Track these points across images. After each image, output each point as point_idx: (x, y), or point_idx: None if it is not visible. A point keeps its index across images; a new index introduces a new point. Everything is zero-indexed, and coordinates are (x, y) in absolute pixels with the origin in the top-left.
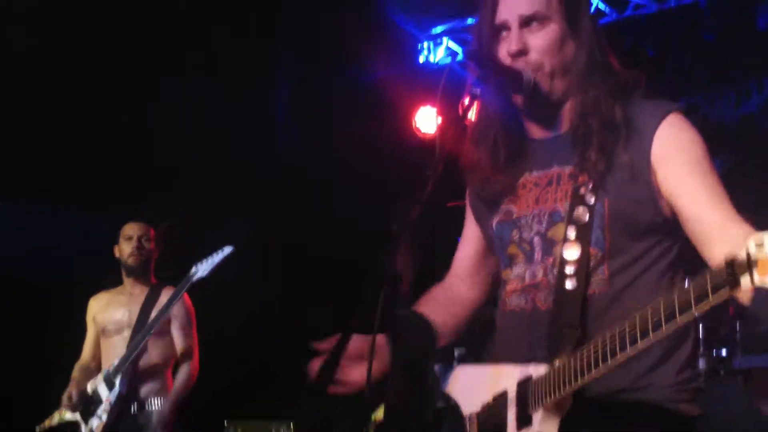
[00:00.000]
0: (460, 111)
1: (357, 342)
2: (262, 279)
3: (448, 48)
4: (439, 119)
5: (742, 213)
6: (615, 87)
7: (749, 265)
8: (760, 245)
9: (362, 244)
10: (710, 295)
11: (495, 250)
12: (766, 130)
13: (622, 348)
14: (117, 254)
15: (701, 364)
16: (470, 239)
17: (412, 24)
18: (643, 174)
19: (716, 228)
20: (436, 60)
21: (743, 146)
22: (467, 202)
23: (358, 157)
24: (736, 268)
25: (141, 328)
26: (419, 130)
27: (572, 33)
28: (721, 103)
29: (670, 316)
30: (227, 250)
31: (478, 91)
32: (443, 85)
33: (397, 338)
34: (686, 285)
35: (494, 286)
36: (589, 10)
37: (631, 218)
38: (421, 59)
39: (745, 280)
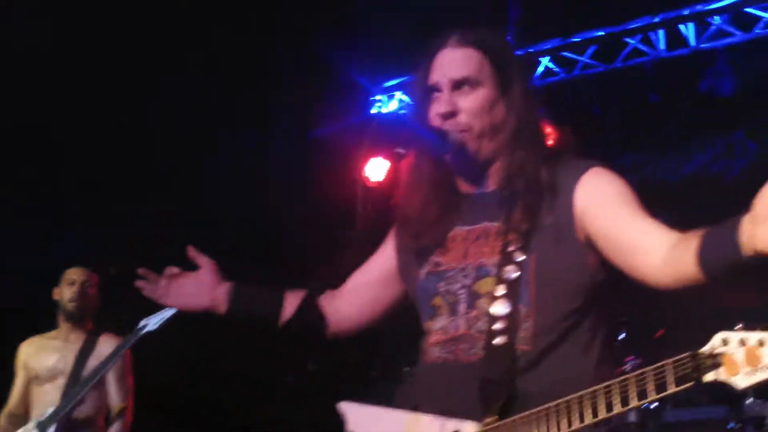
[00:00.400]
0: (379, 172)
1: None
2: (204, 333)
3: (400, 100)
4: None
5: None
6: (543, 150)
7: (715, 362)
8: (725, 342)
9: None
10: (673, 385)
11: (417, 301)
12: (708, 190)
13: (570, 422)
14: (56, 297)
15: (631, 417)
16: (374, 267)
17: (365, 78)
18: (568, 234)
19: (639, 235)
20: (388, 112)
21: (686, 206)
22: (393, 239)
23: (308, 212)
24: (700, 362)
25: (77, 376)
26: (368, 180)
27: (503, 97)
28: (666, 162)
29: (626, 399)
30: (171, 311)
31: (402, 151)
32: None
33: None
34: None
35: (372, 321)
36: (522, 75)
37: (557, 279)
38: (374, 111)
39: (709, 377)
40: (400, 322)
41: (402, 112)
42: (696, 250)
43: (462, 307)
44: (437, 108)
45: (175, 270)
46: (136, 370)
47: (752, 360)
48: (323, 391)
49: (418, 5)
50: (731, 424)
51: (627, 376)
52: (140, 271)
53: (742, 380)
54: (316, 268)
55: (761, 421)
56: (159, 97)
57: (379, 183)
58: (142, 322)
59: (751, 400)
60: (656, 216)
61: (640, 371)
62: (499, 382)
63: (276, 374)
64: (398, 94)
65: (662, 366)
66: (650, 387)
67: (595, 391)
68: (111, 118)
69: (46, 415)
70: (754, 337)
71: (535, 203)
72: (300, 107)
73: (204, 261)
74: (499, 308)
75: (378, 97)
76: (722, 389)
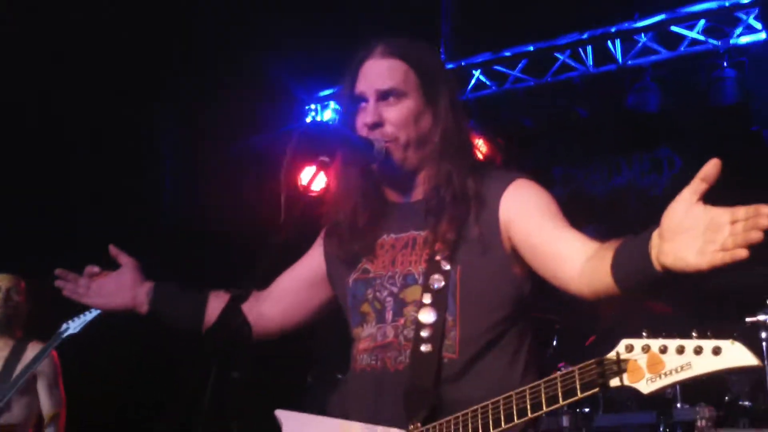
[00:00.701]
0: (306, 180)
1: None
2: (131, 339)
3: (334, 110)
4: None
5: None
6: (470, 161)
7: (619, 367)
8: (630, 348)
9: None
10: (579, 391)
11: (346, 308)
12: (636, 204)
13: (485, 428)
14: None
15: (564, 421)
16: (301, 271)
17: (300, 88)
18: (494, 245)
19: (559, 245)
20: (322, 121)
21: (613, 219)
22: (321, 244)
23: (241, 220)
24: (606, 368)
25: (4, 383)
26: (298, 188)
27: (429, 109)
28: (594, 175)
29: (536, 405)
30: (94, 313)
31: (327, 160)
32: (290, 154)
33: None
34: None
35: (297, 324)
36: (449, 86)
37: (482, 289)
38: (308, 120)
39: (614, 382)
40: (335, 329)
41: (333, 121)
42: (610, 262)
43: (389, 315)
44: (363, 118)
45: (95, 269)
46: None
47: (655, 366)
48: (254, 399)
49: (353, 17)
50: (661, 429)
51: (537, 382)
52: (58, 271)
53: (645, 386)
54: (243, 274)
55: (690, 426)
56: (89, 93)
57: (306, 190)
58: (64, 325)
59: (680, 405)
60: (583, 228)
61: (549, 378)
62: (424, 390)
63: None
64: (332, 104)
65: (570, 372)
66: (559, 393)
67: (509, 397)
68: (38, 121)
69: None
70: (656, 344)
71: (462, 214)
72: (236, 115)
73: (125, 260)
74: (426, 317)
75: (312, 107)
76: (653, 396)
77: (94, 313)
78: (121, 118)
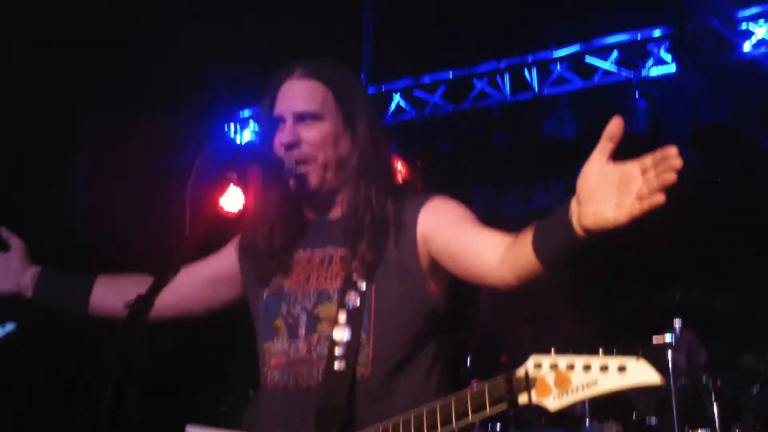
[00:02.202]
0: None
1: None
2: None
3: (253, 131)
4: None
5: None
6: (387, 184)
7: (527, 384)
8: (538, 365)
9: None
10: (488, 407)
11: (258, 321)
12: None
13: None
14: None
15: None
16: (208, 266)
17: (220, 107)
18: (411, 265)
19: (476, 241)
20: (242, 141)
21: None
22: (234, 249)
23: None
24: (514, 385)
25: None
26: (223, 210)
27: (348, 131)
28: (512, 199)
29: (446, 421)
30: (9, 327)
31: (234, 177)
32: (196, 171)
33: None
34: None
35: (189, 315)
36: (368, 110)
37: (397, 308)
38: (228, 140)
39: (522, 398)
40: (245, 344)
41: (251, 141)
42: (531, 239)
43: (302, 331)
44: (281, 138)
45: None
46: None
47: (562, 383)
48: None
49: (276, 38)
50: None
51: (448, 398)
52: None
53: (552, 402)
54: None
55: None
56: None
57: (216, 208)
58: None
59: (588, 422)
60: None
61: (459, 394)
62: (337, 408)
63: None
64: (252, 124)
65: (480, 388)
66: (469, 409)
67: (420, 413)
68: None
69: None
70: (563, 361)
71: (381, 237)
72: (154, 135)
73: (15, 242)
74: (340, 335)
75: (232, 126)
76: (563, 412)
77: (11, 325)
78: (40, 134)
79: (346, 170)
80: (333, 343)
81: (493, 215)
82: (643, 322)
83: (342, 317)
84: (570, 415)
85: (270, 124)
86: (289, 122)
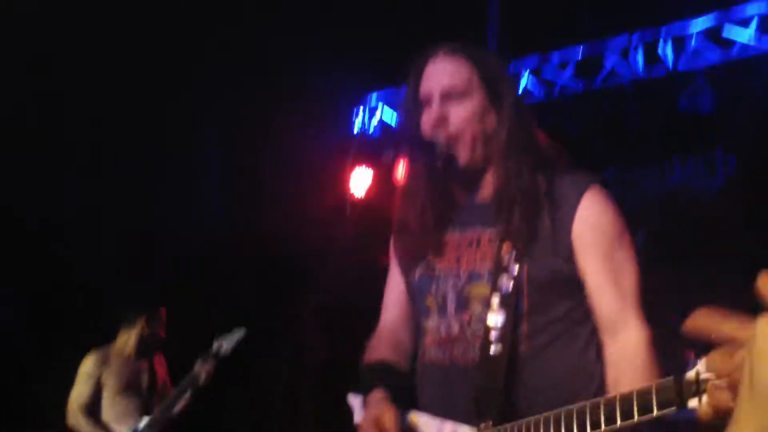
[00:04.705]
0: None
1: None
2: None
3: (382, 114)
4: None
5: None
6: (536, 159)
7: (698, 388)
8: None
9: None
10: (655, 409)
11: (415, 300)
12: (687, 204)
13: None
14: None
15: None
16: (397, 287)
17: (347, 92)
18: (563, 246)
19: (607, 318)
20: (371, 126)
21: (667, 219)
22: (392, 251)
23: (291, 226)
24: (684, 388)
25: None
26: (353, 194)
27: (493, 107)
28: (646, 179)
29: (610, 420)
30: (239, 333)
31: (390, 158)
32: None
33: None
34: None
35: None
36: (512, 86)
37: (550, 285)
38: (356, 126)
39: (692, 403)
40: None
41: (385, 125)
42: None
43: (451, 308)
44: (428, 116)
45: None
46: None
47: None
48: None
49: (397, 24)
50: None
51: (612, 395)
52: None
53: None
54: (308, 277)
55: None
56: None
57: (363, 197)
58: (216, 344)
59: None
60: (635, 234)
61: (626, 392)
62: (495, 389)
63: None
64: (382, 107)
65: (647, 388)
66: (635, 408)
67: (583, 408)
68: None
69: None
70: None
71: (534, 211)
72: (283, 126)
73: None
74: (494, 318)
75: (360, 111)
76: None
77: (242, 331)
78: (166, 134)
79: (493, 147)
80: (488, 328)
81: (628, 193)
82: None
83: (495, 301)
84: None
85: (415, 105)
86: (436, 100)
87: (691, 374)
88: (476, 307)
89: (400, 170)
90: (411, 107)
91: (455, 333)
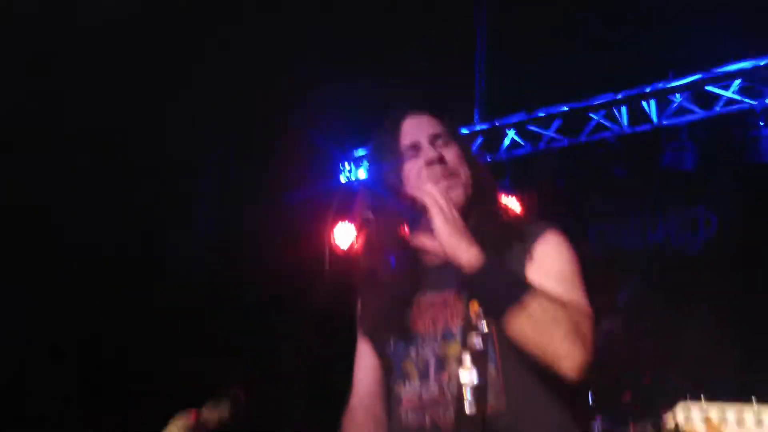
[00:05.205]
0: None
1: None
2: None
3: (367, 168)
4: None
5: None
6: (498, 216)
7: None
8: (688, 417)
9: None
10: None
11: (389, 365)
12: (671, 258)
13: None
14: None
15: None
16: (368, 360)
17: (334, 146)
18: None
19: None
20: (356, 179)
21: (651, 273)
22: (359, 325)
23: (275, 278)
24: None
25: None
26: (337, 247)
27: (465, 159)
28: (629, 232)
29: None
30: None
31: (370, 215)
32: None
33: None
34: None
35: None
36: (469, 147)
37: None
38: (342, 179)
39: None
40: None
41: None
42: None
43: (431, 371)
44: (424, 157)
45: None
46: None
47: None
48: None
49: (388, 77)
50: None
51: None
52: None
53: None
54: (283, 330)
55: None
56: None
57: (345, 249)
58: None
59: None
60: (618, 285)
61: None
62: None
63: None
64: (365, 163)
65: None
66: None
67: None
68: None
69: None
70: (715, 411)
71: (497, 263)
72: (269, 174)
73: None
74: (468, 376)
75: (346, 165)
76: None
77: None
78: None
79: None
80: (461, 387)
81: (611, 248)
82: None
83: (467, 359)
84: None
85: (395, 159)
86: (426, 145)
87: (670, 423)
88: (453, 367)
89: (373, 231)
90: (390, 162)
91: (435, 395)
